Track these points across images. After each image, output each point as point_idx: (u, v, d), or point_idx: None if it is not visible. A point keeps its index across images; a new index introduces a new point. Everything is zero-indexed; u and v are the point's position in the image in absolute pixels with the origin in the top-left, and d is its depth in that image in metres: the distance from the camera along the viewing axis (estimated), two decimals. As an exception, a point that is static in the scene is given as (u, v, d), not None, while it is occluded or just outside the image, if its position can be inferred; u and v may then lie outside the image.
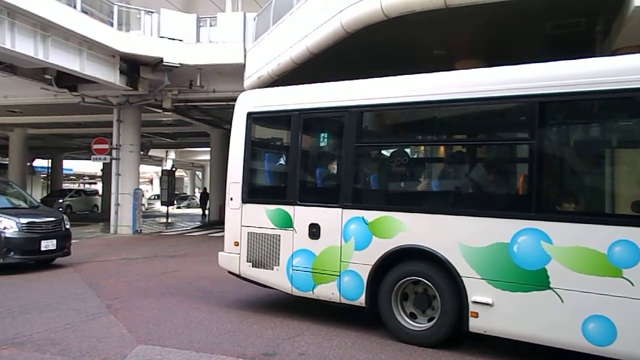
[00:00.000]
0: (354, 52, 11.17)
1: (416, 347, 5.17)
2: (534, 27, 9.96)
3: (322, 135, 6.49)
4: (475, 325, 4.83)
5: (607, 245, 4.20)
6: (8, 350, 4.96)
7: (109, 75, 15.39)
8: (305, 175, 6.35)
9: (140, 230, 18.53)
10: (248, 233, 6.33)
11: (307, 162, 6.40)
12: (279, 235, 6.07)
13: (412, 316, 5.38)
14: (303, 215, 5.91)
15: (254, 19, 15.77)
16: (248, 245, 6.32)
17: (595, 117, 4.88)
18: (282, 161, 6.62)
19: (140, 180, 21.02)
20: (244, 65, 15.74)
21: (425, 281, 5.18)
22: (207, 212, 25.94)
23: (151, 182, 58.85)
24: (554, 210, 4.72)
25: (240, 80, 15.76)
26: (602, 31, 9.50)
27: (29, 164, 34.11)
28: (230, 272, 6.66)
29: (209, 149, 27.33)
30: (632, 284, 4.10)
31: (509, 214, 4.75)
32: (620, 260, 4.15)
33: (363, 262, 5.45)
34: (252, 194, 6.44)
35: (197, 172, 59.14)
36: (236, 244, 6.42)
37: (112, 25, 15.59)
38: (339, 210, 5.64)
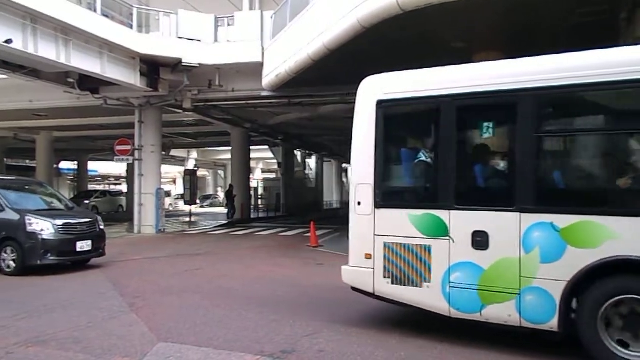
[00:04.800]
0: (371, 47, 11.11)
1: (437, 343, 5.10)
2: (555, 16, 9.77)
3: (485, 124, 5.28)
4: None
5: None
6: (33, 348, 5.06)
7: (130, 77, 15.61)
8: (464, 173, 5.32)
9: (164, 229, 18.76)
10: (385, 244, 5.38)
11: (466, 157, 5.37)
12: (429, 246, 5.13)
13: (622, 343, 4.39)
14: (463, 221, 4.99)
15: (271, 17, 15.83)
16: (385, 259, 5.36)
17: None
18: (428, 157, 5.57)
19: (164, 180, 21.25)
20: (262, 63, 15.80)
21: None
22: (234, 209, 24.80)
23: (174, 181, 59.57)
24: None
25: (258, 79, 15.83)
26: (627, 19, 9.25)
27: (55, 166, 34.90)
28: (356, 290, 5.67)
29: (230, 148, 27.49)
30: None
31: None
32: None
33: (554, 278, 4.52)
34: (389, 197, 5.53)
35: (219, 172, 59.68)
36: (368, 257, 5.47)
37: (131, 27, 15.80)
38: (516, 214, 4.71)
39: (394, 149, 5.88)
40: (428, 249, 5.13)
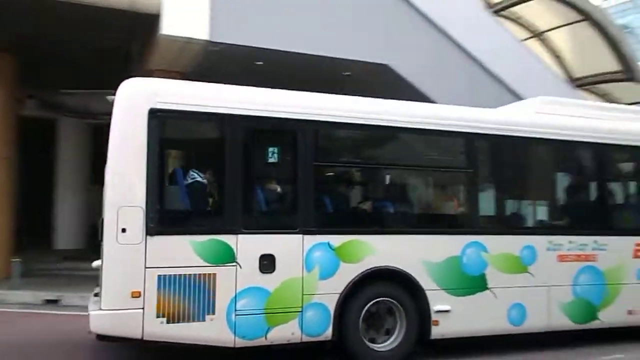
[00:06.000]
0: None
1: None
2: (81, 37, 9.85)
3: (271, 149, 5.29)
4: (437, 332, 5.43)
5: (520, 249, 5.86)
6: None
7: None
8: (252, 196, 5.18)
9: None
10: (159, 277, 4.64)
11: (254, 180, 5.23)
12: (214, 275, 4.77)
13: (373, 339, 5.38)
14: (251, 245, 4.90)
15: None
16: (160, 295, 4.63)
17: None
18: (214, 178, 5.18)
19: None
20: None
21: (392, 300, 5.37)
22: None
23: None
24: (489, 225, 6.08)
25: None
26: (139, 52, 10.10)
27: None
28: (109, 339, 4.66)
29: None
30: (533, 276, 5.86)
31: (460, 230, 5.90)
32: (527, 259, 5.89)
33: (330, 292, 5.09)
34: (166, 222, 4.76)
35: None
36: (136, 295, 4.59)
37: None
38: (299, 236, 5.05)
39: (172, 167, 5.30)
40: (213, 278, 4.79)
